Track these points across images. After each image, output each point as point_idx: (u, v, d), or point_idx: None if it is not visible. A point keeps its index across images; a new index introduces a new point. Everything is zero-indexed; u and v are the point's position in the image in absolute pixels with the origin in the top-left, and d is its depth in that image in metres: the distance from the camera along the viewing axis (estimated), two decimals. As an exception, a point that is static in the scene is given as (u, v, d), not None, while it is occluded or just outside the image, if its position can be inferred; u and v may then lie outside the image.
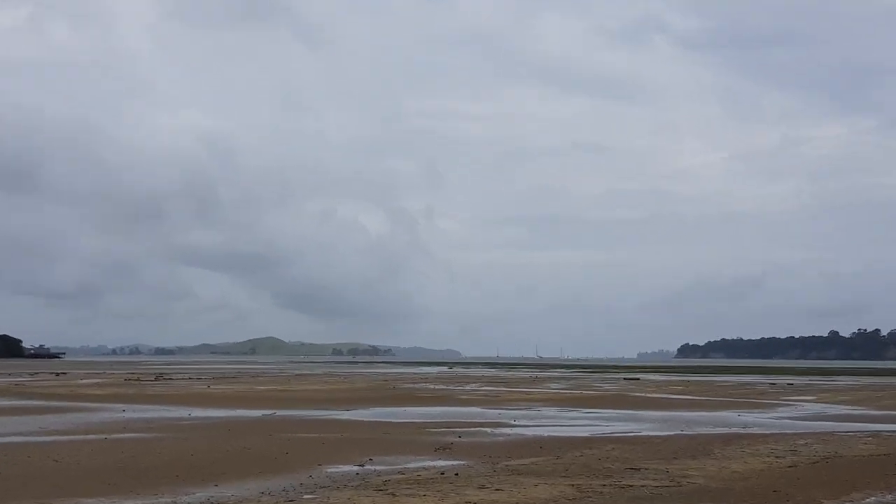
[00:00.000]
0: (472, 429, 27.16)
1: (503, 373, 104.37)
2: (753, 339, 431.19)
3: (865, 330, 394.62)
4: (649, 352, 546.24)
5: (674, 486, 15.92)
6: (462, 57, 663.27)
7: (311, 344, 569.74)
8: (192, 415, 32.25)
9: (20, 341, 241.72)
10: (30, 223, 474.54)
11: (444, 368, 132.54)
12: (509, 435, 25.42)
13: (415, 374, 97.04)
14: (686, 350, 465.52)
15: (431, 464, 18.92)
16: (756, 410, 37.74)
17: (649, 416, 33.75)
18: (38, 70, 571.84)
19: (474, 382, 68.60)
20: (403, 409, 36.54)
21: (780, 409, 39.20)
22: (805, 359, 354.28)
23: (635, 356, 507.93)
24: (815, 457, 20.49)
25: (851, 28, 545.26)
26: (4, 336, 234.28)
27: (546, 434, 25.64)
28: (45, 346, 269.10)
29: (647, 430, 27.13)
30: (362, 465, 18.63)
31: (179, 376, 76.69)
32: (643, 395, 50.39)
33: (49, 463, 18.56)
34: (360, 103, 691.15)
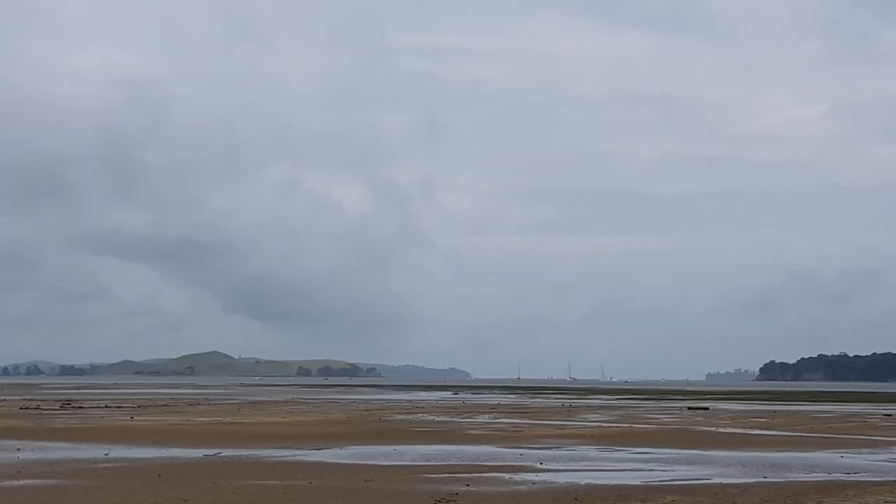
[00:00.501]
0: (485, 474, 27.28)
1: (526, 400, 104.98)
2: (862, 355, 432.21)
3: None
4: (722, 372, 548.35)
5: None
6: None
7: (268, 361, 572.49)
8: (111, 455, 32.38)
9: None
10: None
11: (448, 394, 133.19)
12: (534, 482, 25.52)
13: (408, 401, 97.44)
14: (772, 370, 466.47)
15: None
16: (865, 450, 37.93)
17: (722, 457, 33.98)
18: None
19: (488, 413, 68.98)
20: (393, 447, 36.70)
21: (898, 448, 39.32)
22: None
23: (703, 378, 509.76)
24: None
25: None
26: None
27: (583, 482, 25.74)
28: None
29: (718, 477, 27.30)
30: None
31: (93, 404, 76.96)
32: (714, 429, 50.67)
33: None
34: (334, 37, 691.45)
